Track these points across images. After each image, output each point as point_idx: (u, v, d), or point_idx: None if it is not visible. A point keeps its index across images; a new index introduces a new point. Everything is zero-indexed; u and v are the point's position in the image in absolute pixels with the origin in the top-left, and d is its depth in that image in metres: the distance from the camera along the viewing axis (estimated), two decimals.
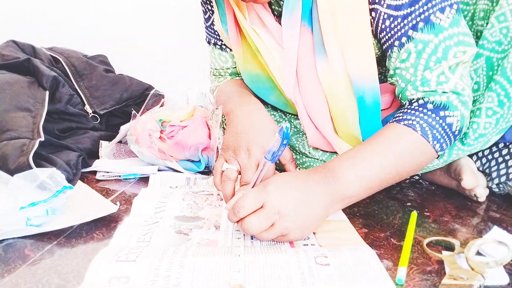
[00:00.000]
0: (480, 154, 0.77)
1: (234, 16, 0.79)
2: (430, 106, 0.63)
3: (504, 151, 0.74)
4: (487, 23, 0.71)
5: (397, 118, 0.64)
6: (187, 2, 1.37)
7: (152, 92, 1.21)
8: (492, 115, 0.68)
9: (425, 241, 0.57)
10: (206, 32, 0.91)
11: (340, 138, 0.77)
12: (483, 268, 0.48)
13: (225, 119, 0.88)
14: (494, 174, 0.75)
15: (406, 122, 0.62)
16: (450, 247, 0.56)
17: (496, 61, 0.70)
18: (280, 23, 0.75)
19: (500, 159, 0.75)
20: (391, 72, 0.68)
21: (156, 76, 1.32)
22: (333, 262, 0.51)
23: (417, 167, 0.64)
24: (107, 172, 0.89)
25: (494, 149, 0.75)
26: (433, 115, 0.62)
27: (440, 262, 0.53)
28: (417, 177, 0.83)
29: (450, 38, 0.62)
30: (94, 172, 0.90)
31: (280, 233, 0.55)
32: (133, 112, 1.00)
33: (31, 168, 0.76)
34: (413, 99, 0.66)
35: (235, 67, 0.91)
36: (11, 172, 0.72)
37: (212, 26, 0.88)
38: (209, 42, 0.92)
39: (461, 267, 0.50)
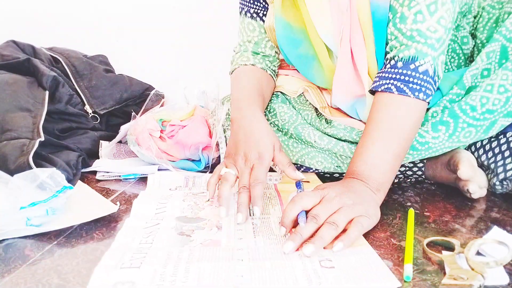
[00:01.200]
0: (487, 147, 0.76)
1: None
2: (400, 64, 0.68)
3: None
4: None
5: (375, 85, 0.70)
6: (188, 2, 1.37)
7: (152, 92, 1.21)
8: (504, 92, 0.68)
9: (425, 241, 0.57)
10: (240, 2, 0.93)
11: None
12: (483, 268, 0.48)
13: (229, 116, 0.89)
14: (500, 169, 0.74)
15: (382, 87, 0.68)
16: (450, 247, 0.56)
17: (511, 51, 0.71)
18: None
19: (507, 153, 0.74)
20: (390, 3, 0.71)
21: (156, 76, 1.32)
22: (338, 264, 0.51)
23: (415, 121, 0.68)
24: (107, 172, 0.89)
25: (503, 140, 0.75)
26: (404, 71, 0.67)
27: (440, 262, 0.53)
28: (420, 173, 0.83)
29: None
30: (94, 172, 0.90)
31: (350, 214, 0.57)
32: (133, 113, 1.00)
33: (31, 168, 0.76)
34: (387, 59, 0.71)
35: (261, 38, 0.92)
36: (11, 172, 0.72)
37: None
38: (240, 13, 0.94)
39: (461, 267, 0.50)
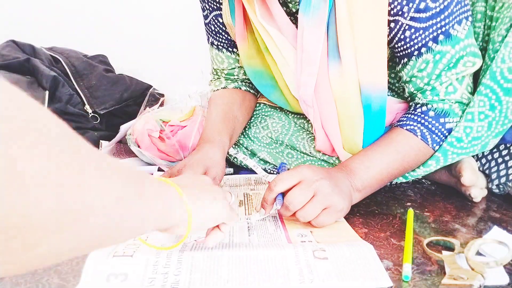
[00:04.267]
0: (480, 155, 0.77)
1: (242, 10, 0.78)
2: (431, 113, 0.69)
3: (504, 152, 0.74)
4: (484, 25, 0.72)
5: (401, 123, 0.71)
6: (187, 2, 1.37)
7: (150, 90, 1.21)
8: (484, 118, 0.68)
9: (425, 241, 0.57)
10: (205, 30, 0.90)
11: (346, 151, 0.78)
12: (483, 268, 0.48)
13: None
14: (494, 176, 0.75)
15: (408, 127, 0.70)
16: (450, 247, 0.56)
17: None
18: (292, 22, 0.74)
19: (499, 160, 0.75)
20: (406, 78, 0.72)
21: (156, 76, 1.32)
22: (331, 256, 0.51)
23: (418, 163, 0.72)
24: None
25: (494, 149, 0.75)
26: (433, 122, 0.69)
27: (440, 262, 0.53)
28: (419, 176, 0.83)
29: (464, 49, 0.66)
30: None
31: (324, 203, 0.58)
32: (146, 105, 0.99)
33: None
34: (418, 103, 0.72)
35: (231, 68, 0.90)
36: None
37: (210, 24, 0.87)
38: (207, 41, 0.91)
39: (461, 267, 0.50)
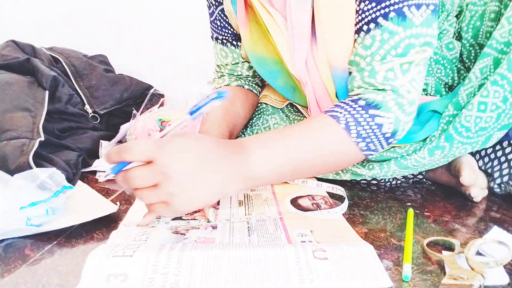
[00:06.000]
0: (482, 153, 0.77)
1: None
2: (361, 102, 0.62)
3: (508, 150, 0.74)
4: (497, 24, 0.71)
5: (326, 110, 0.64)
6: (188, 2, 1.37)
7: (151, 91, 1.21)
8: (495, 109, 0.66)
9: (425, 241, 0.57)
10: (210, 27, 0.91)
11: None
12: (483, 268, 0.48)
13: None
14: (496, 174, 0.75)
15: (332, 113, 0.62)
16: (450, 247, 0.56)
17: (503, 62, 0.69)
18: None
19: (502, 158, 0.74)
20: (352, 58, 0.66)
21: (156, 76, 1.32)
22: (331, 256, 0.51)
23: (338, 163, 0.63)
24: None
25: (498, 147, 0.75)
26: (362, 112, 0.61)
27: (440, 262, 0.53)
28: (420, 176, 0.83)
29: (416, 37, 0.61)
30: (94, 172, 0.90)
31: (163, 198, 0.51)
32: (134, 111, 1.00)
33: (31, 168, 0.76)
34: (350, 95, 0.66)
35: (235, 63, 0.91)
36: (11, 172, 0.72)
37: (215, 20, 0.88)
38: (212, 37, 0.92)
39: (461, 267, 0.50)
